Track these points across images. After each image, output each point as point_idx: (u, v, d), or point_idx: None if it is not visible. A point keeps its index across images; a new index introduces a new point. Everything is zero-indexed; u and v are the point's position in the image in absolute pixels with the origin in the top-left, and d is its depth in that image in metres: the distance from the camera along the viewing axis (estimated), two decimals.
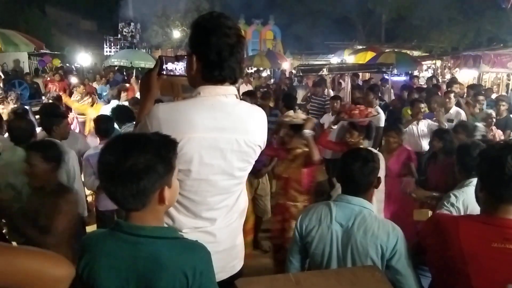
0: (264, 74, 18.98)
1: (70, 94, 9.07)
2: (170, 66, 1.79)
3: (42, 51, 14.16)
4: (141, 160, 1.21)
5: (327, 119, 6.35)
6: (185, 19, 25.01)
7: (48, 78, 11.97)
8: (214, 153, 1.61)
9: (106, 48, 22.37)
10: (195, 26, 1.64)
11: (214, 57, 1.58)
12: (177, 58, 1.81)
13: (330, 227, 1.97)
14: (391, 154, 4.31)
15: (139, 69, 13.01)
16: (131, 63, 12.43)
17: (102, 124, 4.05)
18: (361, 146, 3.60)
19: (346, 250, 1.92)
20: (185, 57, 1.73)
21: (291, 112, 3.82)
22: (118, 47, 21.05)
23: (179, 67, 1.81)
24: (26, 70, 16.03)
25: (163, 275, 1.23)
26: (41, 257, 1.08)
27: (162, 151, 1.27)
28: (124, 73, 15.01)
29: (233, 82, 1.68)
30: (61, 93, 7.99)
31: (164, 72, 1.78)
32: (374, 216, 1.96)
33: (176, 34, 25.12)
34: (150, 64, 12.71)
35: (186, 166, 1.58)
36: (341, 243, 1.95)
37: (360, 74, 12.88)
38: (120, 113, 4.57)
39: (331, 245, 1.97)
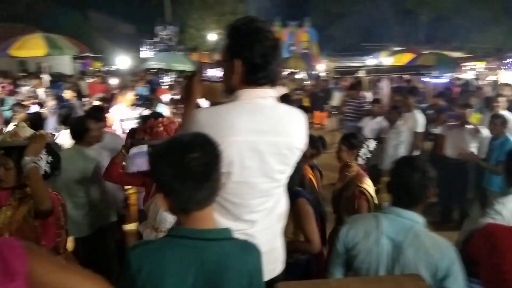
0: (299, 76, 18.90)
1: (111, 97, 9.35)
2: (210, 72, 1.82)
3: (84, 54, 14.65)
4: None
5: (366, 123, 6.22)
6: (220, 22, 25.31)
7: (92, 80, 12.40)
8: (254, 156, 1.61)
9: (144, 51, 22.95)
10: (236, 31, 1.66)
11: (259, 61, 1.61)
12: (218, 64, 1.84)
13: (379, 241, 1.86)
14: None
15: (177, 72, 13.28)
16: (168, 66, 12.67)
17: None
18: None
19: (395, 266, 1.82)
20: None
21: None
22: (156, 49, 21.51)
23: (219, 73, 1.84)
24: (70, 72, 16.68)
25: (231, 276, 1.27)
26: (92, 281, 1.14)
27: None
28: (159, 76, 15.35)
29: (273, 84, 1.70)
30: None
31: (205, 78, 1.81)
32: (427, 232, 1.84)
33: (212, 37, 25.45)
34: (187, 66, 12.90)
35: (227, 169, 1.59)
36: (389, 259, 1.84)
37: (398, 76, 12.59)
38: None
39: (378, 260, 1.86)
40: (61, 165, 2.59)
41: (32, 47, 10.27)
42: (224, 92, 1.75)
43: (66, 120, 4.76)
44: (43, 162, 2.41)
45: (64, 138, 4.38)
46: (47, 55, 10.76)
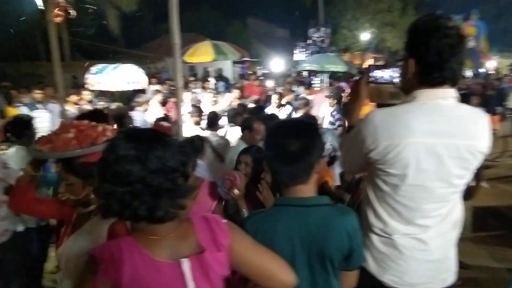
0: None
1: (267, 99, 9.91)
2: (377, 73, 1.86)
3: (243, 58, 15.81)
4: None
5: None
6: (374, 20, 24.48)
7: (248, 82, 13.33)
8: (431, 159, 1.55)
9: (297, 53, 23.63)
10: (413, 30, 1.63)
11: (433, 59, 1.55)
12: (385, 66, 1.85)
13: None
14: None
15: (329, 73, 13.34)
16: (321, 67, 12.81)
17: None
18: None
19: None
20: (397, 63, 1.74)
21: None
22: (308, 52, 21.97)
23: (386, 75, 1.86)
24: (231, 76, 18.20)
25: (332, 235, 1.44)
26: (278, 262, 1.32)
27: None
28: (310, 77, 15.65)
29: (453, 84, 1.61)
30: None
31: (372, 80, 1.84)
32: None
33: (365, 36, 24.83)
34: (339, 67, 12.87)
35: (402, 171, 1.57)
36: None
37: None
38: None
39: None
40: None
41: (202, 53, 11.56)
42: (401, 93, 1.73)
43: (233, 118, 5.25)
44: None
45: (232, 135, 4.85)
46: (214, 61, 11.94)
